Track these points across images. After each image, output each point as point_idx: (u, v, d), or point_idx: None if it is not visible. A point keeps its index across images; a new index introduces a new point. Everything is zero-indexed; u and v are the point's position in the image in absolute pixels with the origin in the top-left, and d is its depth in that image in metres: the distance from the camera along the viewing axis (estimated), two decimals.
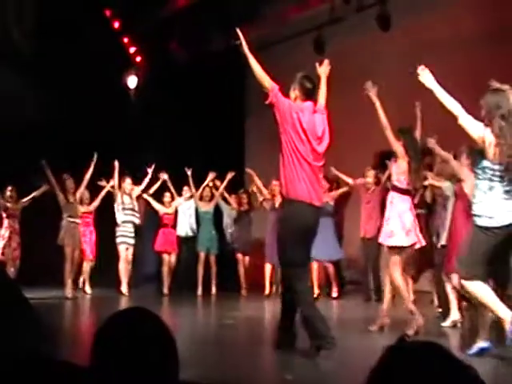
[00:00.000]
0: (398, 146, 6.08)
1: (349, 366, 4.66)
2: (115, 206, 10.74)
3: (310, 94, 5.18)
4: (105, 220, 11.09)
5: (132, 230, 10.76)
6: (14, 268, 9.96)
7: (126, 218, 10.71)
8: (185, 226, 11.21)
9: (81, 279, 10.91)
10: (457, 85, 9.93)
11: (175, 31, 11.97)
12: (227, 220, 11.52)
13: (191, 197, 11.16)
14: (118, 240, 10.63)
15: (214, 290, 10.86)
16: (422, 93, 10.18)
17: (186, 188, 11.28)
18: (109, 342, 1.37)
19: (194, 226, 11.21)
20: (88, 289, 10.80)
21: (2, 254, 10.02)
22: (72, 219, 10.11)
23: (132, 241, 10.74)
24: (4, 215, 10.15)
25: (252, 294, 10.51)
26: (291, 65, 12.41)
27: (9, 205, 10.13)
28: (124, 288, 10.44)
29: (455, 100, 4.88)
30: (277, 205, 9.91)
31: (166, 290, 10.77)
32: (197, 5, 10.95)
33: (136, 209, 10.89)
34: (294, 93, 5.22)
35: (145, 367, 1.33)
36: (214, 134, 12.54)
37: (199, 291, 10.72)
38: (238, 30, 5.16)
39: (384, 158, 7.30)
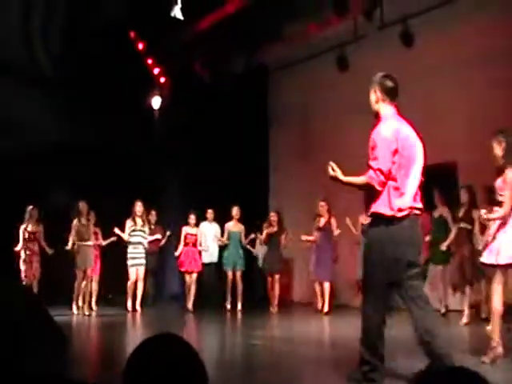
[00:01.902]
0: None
1: None
2: (127, 227, 10.93)
3: (391, 94, 4.79)
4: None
5: (142, 251, 10.95)
6: (35, 288, 10.13)
7: (136, 240, 10.89)
8: (211, 251, 11.50)
9: (93, 298, 11.23)
10: (472, 98, 9.96)
11: (198, 52, 12.09)
12: (259, 248, 11.68)
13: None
14: (130, 262, 10.83)
15: (239, 306, 11.03)
16: (446, 111, 10.27)
17: (210, 210, 11.44)
18: (140, 369, 1.37)
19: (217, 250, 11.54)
20: (94, 307, 11.14)
21: (26, 276, 10.21)
22: (85, 242, 10.51)
23: (143, 261, 10.94)
24: (26, 236, 10.37)
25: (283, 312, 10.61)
26: (314, 83, 12.55)
27: (30, 226, 10.35)
28: (130, 306, 10.73)
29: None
30: (321, 224, 10.33)
31: (190, 307, 11.04)
32: (220, 26, 11.05)
33: (146, 230, 11.12)
34: (375, 94, 4.86)
35: None
36: (238, 152, 12.57)
37: (228, 306, 11.03)
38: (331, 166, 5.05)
39: None
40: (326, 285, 10.22)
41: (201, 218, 11.49)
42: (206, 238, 11.37)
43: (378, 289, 4.29)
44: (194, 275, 11.23)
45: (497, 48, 9.63)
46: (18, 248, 10.25)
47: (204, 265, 11.41)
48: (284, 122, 13.21)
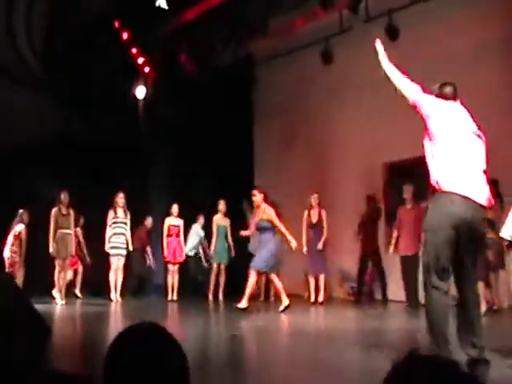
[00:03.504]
0: None
1: None
2: (108, 219, 10.93)
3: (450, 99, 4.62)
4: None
5: (124, 241, 10.95)
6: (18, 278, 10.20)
7: (118, 231, 10.89)
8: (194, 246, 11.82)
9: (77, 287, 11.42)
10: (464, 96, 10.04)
11: (184, 43, 12.04)
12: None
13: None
14: (112, 252, 10.85)
15: (221, 296, 11.29)
16: None
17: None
18: (120, 357, 1.38)
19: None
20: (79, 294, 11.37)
21: (11, 265, 10.24)
22: (65, 231, 10.55)
23: (124, 252, 10.95)
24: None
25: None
26: (299, 75, 12.56)
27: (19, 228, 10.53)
28: (114, 296, 10.78)
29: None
30: (314, 220, 10.58)
31: (172, 297, 11.21)
32: (205, 17, 11.01)
33: (128, 222, 11.09)
34: None
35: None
36: (223, 144, 12.57)
37: (210, 297, 11.26)
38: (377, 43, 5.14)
39: None
40: (321, 277, 10.52)
41: (183, 210, 11.52)
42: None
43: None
44: (177, 266, 11.34)
45: (483, 42, 9.70)
46: (6, 254, 10.28)
47: (187, 256, 11.55)
48: (269, 115, 13.22)
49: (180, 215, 11.48)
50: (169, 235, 11.37)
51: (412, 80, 4.82)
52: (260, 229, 9.07)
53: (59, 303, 10.27)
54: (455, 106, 4.58)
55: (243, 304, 8.69)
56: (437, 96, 4.62)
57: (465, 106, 4.62)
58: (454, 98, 4.61)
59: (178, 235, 11.43)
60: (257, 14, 11.71)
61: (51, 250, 10.43)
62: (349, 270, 11.40)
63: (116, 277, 10.84)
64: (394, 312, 9.58)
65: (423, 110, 4.54)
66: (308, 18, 11.22)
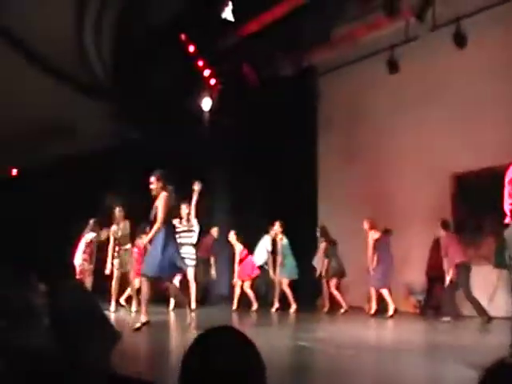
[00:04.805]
0: None
1: None
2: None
3: None
4: None
5: (192, 251, 10.89)
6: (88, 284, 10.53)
7: (183, 241, 10.81)
8: (263, 257, 11.72)
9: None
10: None
11: (247, 54, 12.12)
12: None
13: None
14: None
15: (292, 308, 11.19)
16: (499, 113, 10.04)
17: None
18: (199, 360, 1.37)
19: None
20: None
21: (82, 273, 10.62)
22: (123, 247, 10.71)
23: (192, 262, 10.85)
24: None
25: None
26: (363, 85, 12.44)
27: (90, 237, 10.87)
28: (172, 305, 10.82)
29: None
30: (373, 239, 10.52)
31: (235, 307, 11.31)
32: (268, 28, 11.05)
33: (193, 229, 10.98)
34: None
35: None
36: (285, 155, 12.57)
37: (274, 308, 11.29)
38: None
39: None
40: (384, 291, 10.34)
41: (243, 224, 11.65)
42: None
43: None
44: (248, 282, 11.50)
45: None
46: (77, 261, 10.63)
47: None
48: (333, 126, 13.12)
49: (240, 229, 11.62)
50: (241, 260, 11.53)
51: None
52: None
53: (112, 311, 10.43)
54: None
55: None
56: None
57: None
58: None
59: (248, 254, 11.58)
60: (319, 25, 11.67)
61: (110, 266, 10.67)
62: (415, 283, 11.18)
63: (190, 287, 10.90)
64: (463, 326, 9.30)
65: None
66: (372, 27, 11.09)
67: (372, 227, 10.55)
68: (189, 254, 10.65)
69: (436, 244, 10.37)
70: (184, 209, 10.79)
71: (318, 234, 11.52)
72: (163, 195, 7.50)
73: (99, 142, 13.83)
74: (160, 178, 7.58)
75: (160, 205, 7.44)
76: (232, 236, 11.57)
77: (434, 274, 10.44)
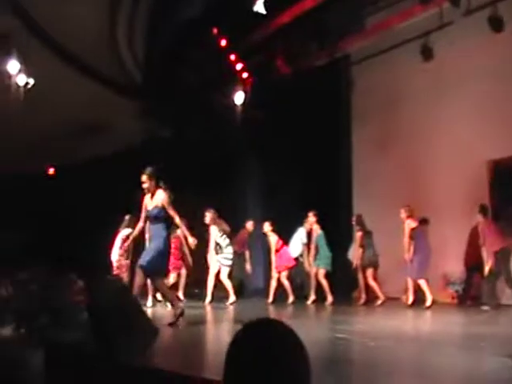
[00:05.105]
0: None
1: None
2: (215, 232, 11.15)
3: None
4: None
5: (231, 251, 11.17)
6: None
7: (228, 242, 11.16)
8: (298, 249, 11.71)
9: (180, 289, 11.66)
10: None
11: (280, 46, 12.06)
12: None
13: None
14: (226, 262, 11.05)
15: (329, 299, 11.15)
16: None
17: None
18: (243, 352, 1.36)
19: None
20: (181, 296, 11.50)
21: (119, 268, 10.74)
22: None
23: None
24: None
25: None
26: (397, 74, 12.28)
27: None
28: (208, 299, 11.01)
29: None
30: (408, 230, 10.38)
31: (271, 299, 11.34)
32: (300, 19, 10.98)
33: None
34: None
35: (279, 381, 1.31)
36: (319, 147, 12.50)
37: (310, 300, 11.27)
38: None
39: None
40: (422, 282, 10.15)
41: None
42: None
43: None
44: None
45: None
46: (114, 257, 10.81)
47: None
48: (367, 115, 12.98)
49: (274, 222, 11.64)
50: (277, 250, 11.55)
51: None
52: None
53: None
54: None
55: None
56: None
57: None
58: None
59: (283, 244, 11.59)
60: (352, 13, 11.56)
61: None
62: (452, 274, 11.03)
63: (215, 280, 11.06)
64: (503, 315, 9.14)
65: None
66: (406, 14, 10.92)
67: (409, 216, 10.41)
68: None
69: (474, 232, 10.18)
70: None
71: (354, 223, 11.44)
72: (164, 195, 7.50)
73: (132, 140, 13.99)
74: (152, 175, 7.50)
75: (166, 203, 7.43)
76: (267, 227, 11.56)
77: (473, 262, 10.25)
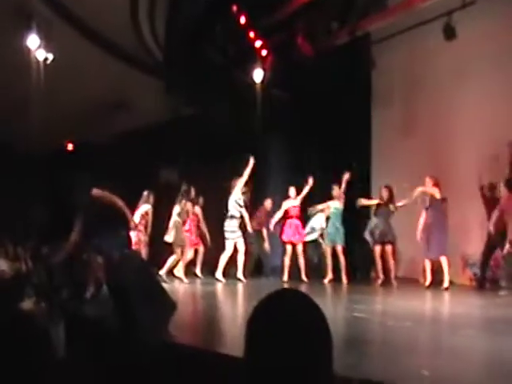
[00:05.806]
0: None
1: None
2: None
3: None
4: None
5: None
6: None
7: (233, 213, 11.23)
8: (315, 234, 11.74)
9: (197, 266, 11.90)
10: None
11: (300, 24, 11.94)
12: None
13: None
14: (228, 236, 11.14)
15: (344, 279, 11.07)
16: None
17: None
18: (265, 320, 1.36)
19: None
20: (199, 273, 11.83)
21: (137, 243, 10.76)
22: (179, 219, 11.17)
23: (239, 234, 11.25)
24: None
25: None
26: (419, 53, 12.12)
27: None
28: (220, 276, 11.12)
29: None
30: (427, 204, 10.25)
31: (285, 278, 11.24)
32: None
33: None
34: None
35: (300, 356, 1.31)
36: (340, 127, 12.42)
37: (326, 280, 11.21)
38: None
39: None
40: (443, 259, 10.02)
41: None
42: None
43: None
44: (297, 247, 11.35)
45: None
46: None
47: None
48: (388, 96, 12.84)
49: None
50: (289, 217, 11.43)
51: None
52: None
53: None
54: None
55: None
56: None
57: None
58: None
59: (297, 217, 11.47)
60: None
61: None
62: (472, 256, 10.94)
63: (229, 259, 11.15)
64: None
65: None
66: None
67: (435, 184, 10.31)
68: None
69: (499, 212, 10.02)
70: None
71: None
72: None
73: (154, 117, 14.03)
74: None
75: None
76: (292, 191, 11.60)
77: (495, 242, 10.07)
